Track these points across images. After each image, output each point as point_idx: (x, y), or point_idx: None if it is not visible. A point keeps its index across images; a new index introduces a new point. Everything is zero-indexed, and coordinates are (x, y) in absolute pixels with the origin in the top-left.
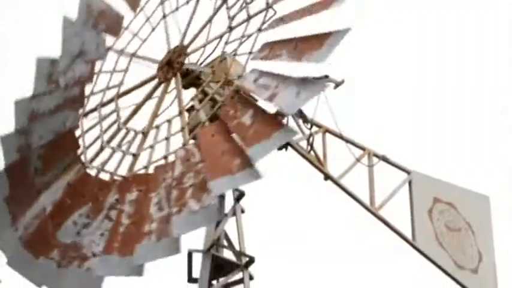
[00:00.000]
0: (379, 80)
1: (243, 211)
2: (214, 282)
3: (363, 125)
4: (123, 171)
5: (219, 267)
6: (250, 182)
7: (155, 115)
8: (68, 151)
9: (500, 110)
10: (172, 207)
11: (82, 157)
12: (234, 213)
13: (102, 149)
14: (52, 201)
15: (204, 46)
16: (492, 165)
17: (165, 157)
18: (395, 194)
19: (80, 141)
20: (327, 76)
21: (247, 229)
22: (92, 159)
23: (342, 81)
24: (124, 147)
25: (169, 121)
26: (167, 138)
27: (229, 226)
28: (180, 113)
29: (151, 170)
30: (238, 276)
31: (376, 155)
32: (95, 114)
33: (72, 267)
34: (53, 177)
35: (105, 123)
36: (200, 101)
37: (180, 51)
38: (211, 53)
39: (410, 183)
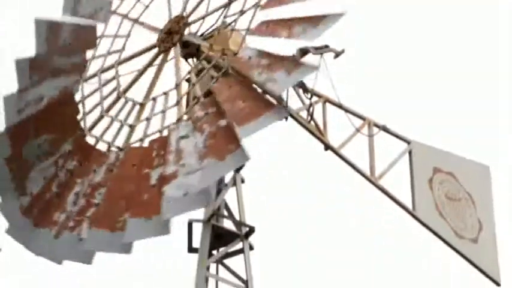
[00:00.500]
0: (379, 49)
1: (243, 181)
2: (214, 252)
3: (363, 95)
4: (120, 142)
5: (219, 237)
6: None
7: (153, 86)
8: (68, 116)
9: (501, 77)
10: (164, 185)
11: (81, 123)
12: (234, 183)
13: (101, 117)
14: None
15: (204, 18)
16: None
17: (160, 131)
18: (396, 164)
19: (80, 107)
20: (327, 46)
21: (247, 199)
22: (92, 127)
23: (342, 51)
24: (122, 117)
25: (165, 94)
26: (163, 112)
27: (230, 196)
28: (177, 86)
29: (146, 144)
30: (238, 246)
31: (376, 125)
32: (95, 79)
33: (66, 235)
34: (52, 142)
35: (105, 90)
36: (197, 74)
37: (181, 20)
38: (212, 25)
39: (410, 153)
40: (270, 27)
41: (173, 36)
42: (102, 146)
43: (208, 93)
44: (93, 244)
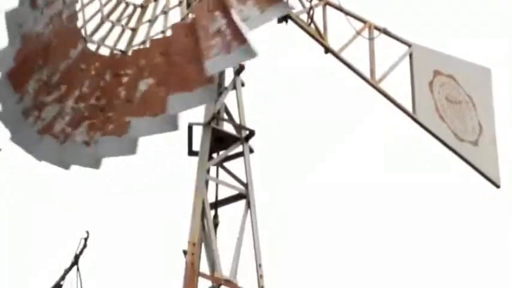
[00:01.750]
0: None
1: (243, 84)
2: (214, 155)
3: None
4: (122, 46)
5: (219, 140)
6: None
7: None
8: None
9: None
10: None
11: (82, 31)
12: (234, 87)
13: (102, 23)
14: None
15: None
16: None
17: (163, 32)
18: (396, 67)
19: (80, 15)
20: None
21: (247, 102)
22: (92, 33)
23: None
24: (123, 22)
25: None
26: (165, 12)
27: (229, 99)
28: None
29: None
30: (238, 149)
31: (376, 28)
32: None
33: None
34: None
35: None
36: None
37: None
38: None
39: (411, 56)
40: None
41: None
42: (104, 51)
43: None
44: (99, 148)
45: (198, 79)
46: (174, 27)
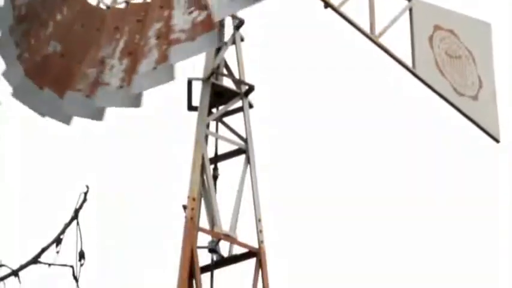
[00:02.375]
0: None
1: (242, 39)
2: (214, 110)
3: None
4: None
5: (218, 95)
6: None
7: None
8: None
9: None
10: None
11: None
12: (233, 42)
13: None
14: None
15: None
16: None
17: None
18: (396, 21)
19: None
20: None
21: (247, 58)
22: None
23: None
24: None
25: None
26: None
27: (229, 54)
28: None
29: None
30: (237, 104)
31: None
32: None
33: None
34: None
35: None
36: None
37: None
38: None
39: (410, 10)
40: None
41: None
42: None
43: None
44: (101, 100)
45: (198, 29)
46: None
